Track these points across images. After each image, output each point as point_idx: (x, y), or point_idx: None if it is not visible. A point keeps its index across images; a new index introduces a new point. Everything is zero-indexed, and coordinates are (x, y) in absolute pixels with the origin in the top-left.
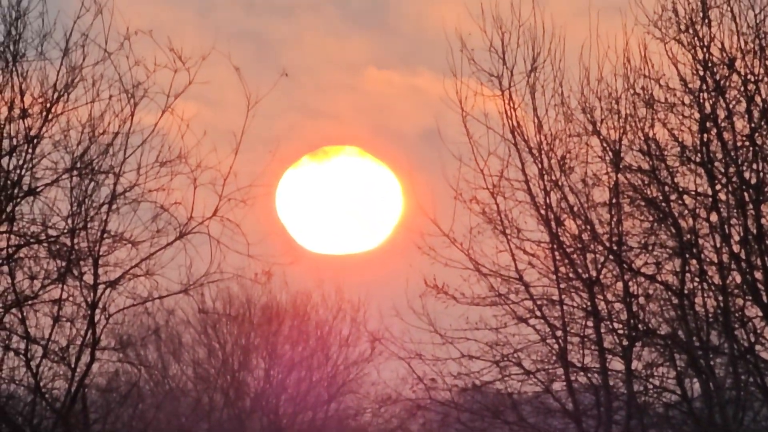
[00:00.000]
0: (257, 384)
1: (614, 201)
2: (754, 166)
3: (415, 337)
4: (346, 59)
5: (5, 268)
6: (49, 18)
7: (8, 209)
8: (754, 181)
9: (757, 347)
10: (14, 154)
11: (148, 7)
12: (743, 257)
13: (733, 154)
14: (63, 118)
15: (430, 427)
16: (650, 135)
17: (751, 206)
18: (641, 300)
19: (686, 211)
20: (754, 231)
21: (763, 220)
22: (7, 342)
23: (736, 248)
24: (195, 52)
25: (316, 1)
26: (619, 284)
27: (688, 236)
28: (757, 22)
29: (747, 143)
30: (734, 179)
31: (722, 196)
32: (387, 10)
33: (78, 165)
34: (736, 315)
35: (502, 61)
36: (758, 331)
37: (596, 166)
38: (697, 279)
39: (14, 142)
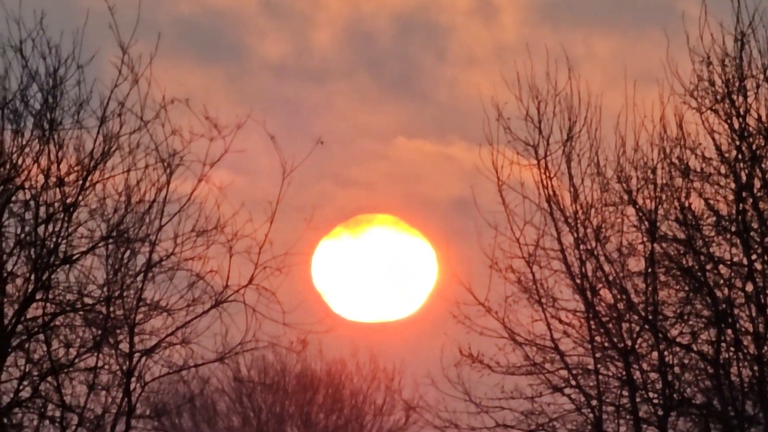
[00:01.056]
0: None
1: (650, 270)
2: None
3: (450, 406)
4: (377, 127)
5: (41, 337)
6: (86, 87)
7: (44, 277)
8: None
9: None
10: (50, 222)
11: (179, 74)
12: None
13: None
14: (99, 186)
15: None
16: (686, 205)
17: None
18: (676, 370)
19: (722, 281)
20: None
21: None
22: (42, 410)
23: None
24: (227, 119)
25: (348, 67)
26: (655, 354)
27: (724, 306)
28: None
29: None
30: None
31: (758, 266)
32: (420, 78)
33: (114, 233)
34: None
35: (538, 130)
36: None
37: (632, 236)
38: (732, 349)
39: (50, 210)
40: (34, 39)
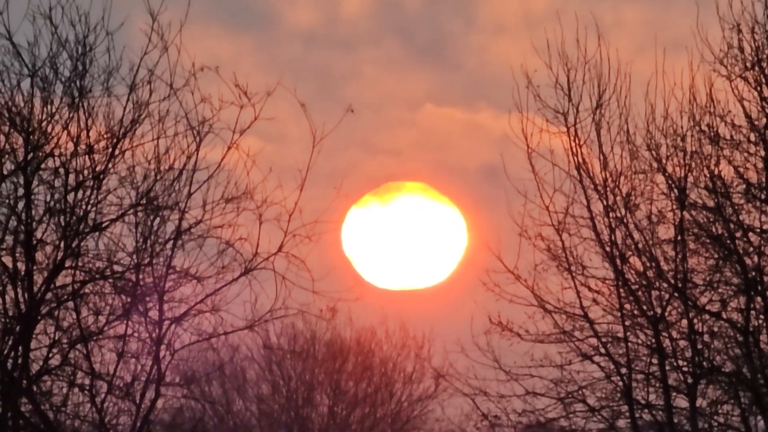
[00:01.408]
0: (321, 420)
1: (679, 238)
2: None
3: (479, 373)
4: (406, 94)
5: (70, 304)
6: (115, 54)
7: (74, 245)
8: None
9: None
10: (80, 190)
11: (208, 42)
12: None
13: None
14: (129, 154)
15: None
16: (715, 172)
17: None
18: (706, 337)
19: (751, 249)
20: None
21: None
22: (72, 378)
23: None
24: (257, 87)
25: (377, 35)
26: (684, 322)
27: (753, 273)
28: None
29: None
30: None
31: None
32: (449, 46)
33: (143, 201)
34: None
35: (568, 98)
36: None
37: (661, 204)
38: (761, 316)
39: (80, 177)
40: (64, 6)
